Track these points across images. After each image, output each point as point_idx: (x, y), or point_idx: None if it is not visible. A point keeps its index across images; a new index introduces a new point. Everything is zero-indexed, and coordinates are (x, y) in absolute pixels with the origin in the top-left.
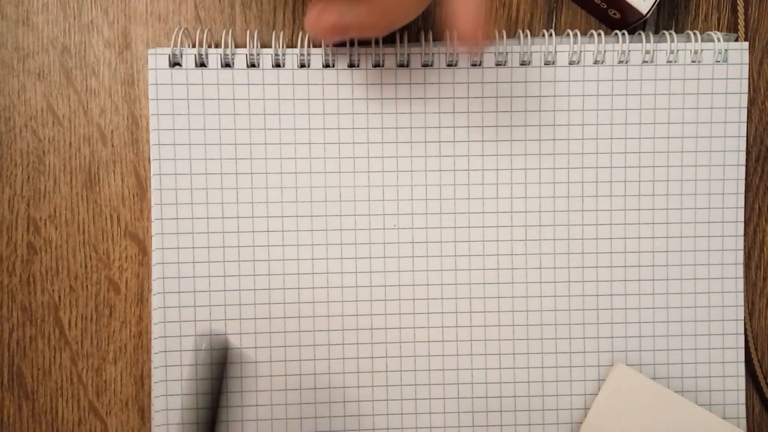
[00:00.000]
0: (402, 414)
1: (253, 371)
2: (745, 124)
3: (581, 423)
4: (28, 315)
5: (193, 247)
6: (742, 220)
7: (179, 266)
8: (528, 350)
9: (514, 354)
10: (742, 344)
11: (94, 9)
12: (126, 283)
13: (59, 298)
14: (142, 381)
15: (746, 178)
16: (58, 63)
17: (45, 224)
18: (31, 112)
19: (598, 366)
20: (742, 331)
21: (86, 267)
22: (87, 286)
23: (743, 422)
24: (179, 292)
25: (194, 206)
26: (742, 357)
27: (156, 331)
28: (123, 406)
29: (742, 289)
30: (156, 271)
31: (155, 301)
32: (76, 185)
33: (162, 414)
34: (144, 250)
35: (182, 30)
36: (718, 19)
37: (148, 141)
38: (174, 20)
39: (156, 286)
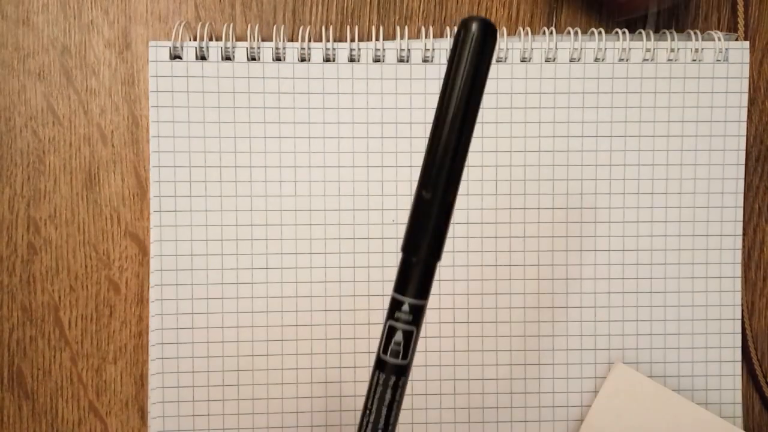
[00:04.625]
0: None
1: (264, 365)
2: (746, 124)
3: (577, 420)
4: (28, 315)
5: (191, 240)
6: (741, 219)
7: (177, 258)
8: (525, 347)
9: (510, 351)
10: (739, 344)
11: (94, 9)
12: (126, 283)
13: (59, 298)
14: (142, 381)
15: (746, 178)
16: (58, 63)
17: (45, 224)
18: (31, 112)
19: (595, 364)
20: (740, 331)
21: (86, 267)
22: (87, 286)
23: (739, 421)
24: (176, 284)
25: (192, 199)
26: (739, 356)
27: (153, 338)
28: (123, 406)
29: (740, 289)
30: (154, 279)
31: (153, 308)
32: (76, 185)
33: (159, 420)
34: (144, 250)
35: (183, 23)
36: (718, 19)
37: (148, 141)
38: (174, 20)
39: (154, 293)
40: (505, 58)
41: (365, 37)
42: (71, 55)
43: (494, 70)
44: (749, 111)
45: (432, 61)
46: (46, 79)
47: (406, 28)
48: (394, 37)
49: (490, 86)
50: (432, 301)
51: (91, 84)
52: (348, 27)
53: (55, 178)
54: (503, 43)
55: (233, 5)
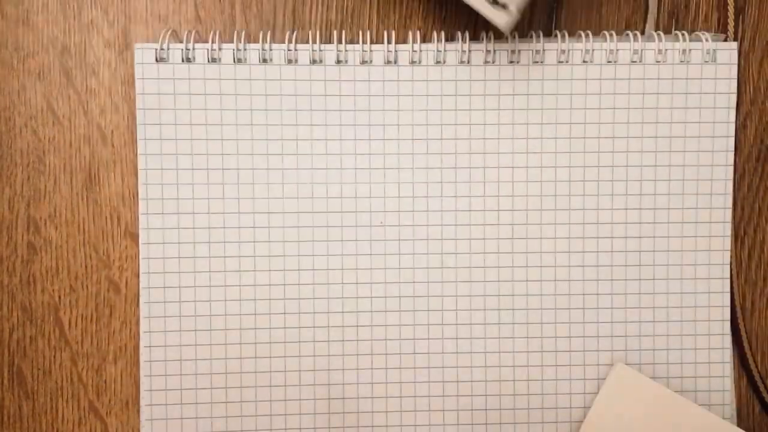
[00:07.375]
0: (401, 411)
1: (252, 367)
2: (734, 125)
3: (580, 422)
4: (28, 315)
5: (179, 243)
6: (730, 221)
7: (164, 261)
8: (527, 348)
9: (513, 352)
10: (729, 345)
11: (94, 9)
12: (126, 283)
13: (59, 298)
14: None
15: (746, 178)
16: (58, 63)
17: (45, 224)
18: (31, 112)
19: (598, 365)
20: (729, 332)
21: (86, 267)
22: (87, 286)
23: (734, 422)
24: (165, 290)
25: (180, 201)
26: (728, 358)
27: (143, 339)
28: (123, 405)
29: (728, 290)
30: (143, 281)
31: (143, 325)
32: (76, 185)
33: (147, 424)
34: None
35: (170, 31)
36: (719, 19)
37: None
38: (174, 20)
39: (143, 309)
40: (493, 60)
41: (375, 39)
42: (71, 55)
43: (482, 71)
44: (749, 111)
45: (420, 63)
46: (46, 78)
47: (393, 32)
48: (382, 41)
49: (478, 88)
50: (433, 303)
51: (91, 84)
52: (344, 30)
53: (55, 178)
54: (490, 45)
55: (233, 5)
